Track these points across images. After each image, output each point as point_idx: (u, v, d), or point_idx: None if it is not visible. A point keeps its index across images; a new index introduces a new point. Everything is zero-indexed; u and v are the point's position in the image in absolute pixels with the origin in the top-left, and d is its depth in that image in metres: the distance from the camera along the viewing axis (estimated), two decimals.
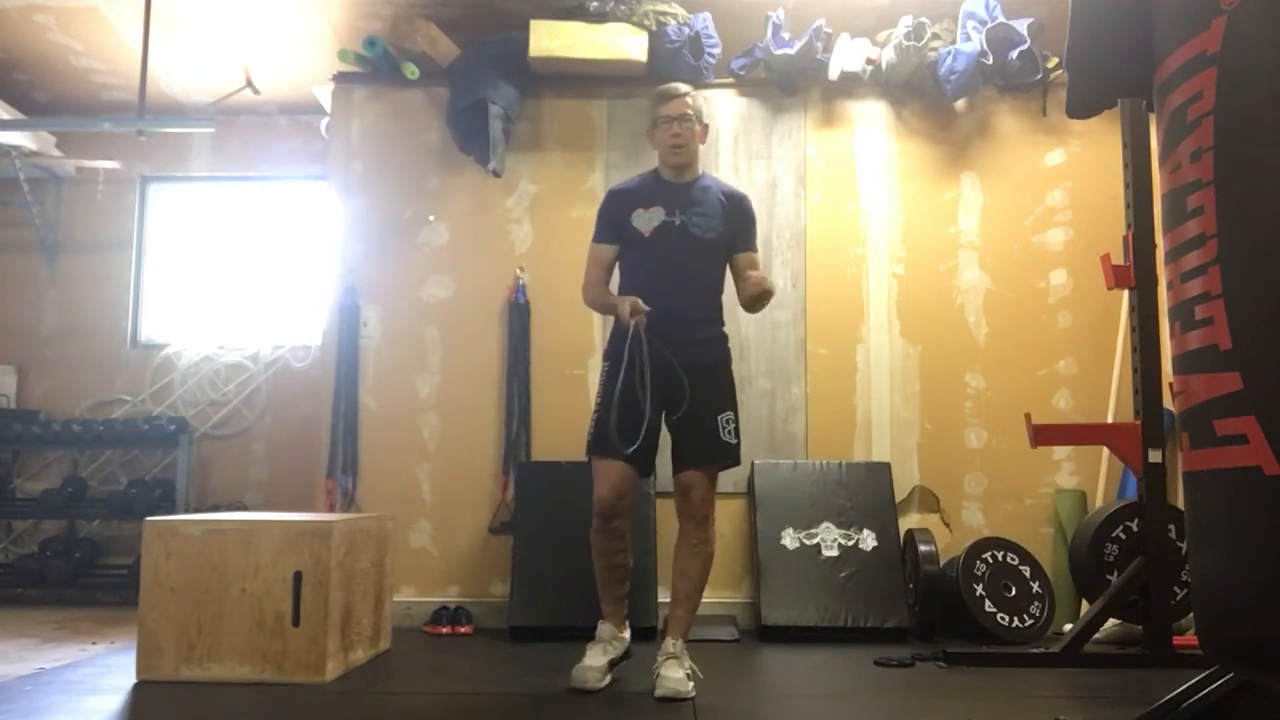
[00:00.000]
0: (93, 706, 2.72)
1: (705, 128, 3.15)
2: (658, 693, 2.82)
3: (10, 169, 5.16)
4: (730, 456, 3.01)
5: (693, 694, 2.84)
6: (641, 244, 3.05)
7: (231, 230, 5.54)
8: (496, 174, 4.42)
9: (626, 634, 3.09)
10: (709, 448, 2.97)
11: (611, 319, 3.14)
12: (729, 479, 4.29)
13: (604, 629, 3.05)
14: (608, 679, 2.96)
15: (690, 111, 3.06)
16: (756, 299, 2.98)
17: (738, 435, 3.02)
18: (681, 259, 3.01)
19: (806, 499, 4.21)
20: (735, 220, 3.10)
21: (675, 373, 2.90)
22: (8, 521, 5.25)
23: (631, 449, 2.87)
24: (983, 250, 4.54)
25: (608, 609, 3.07)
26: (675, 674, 2.85)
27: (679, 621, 2.99)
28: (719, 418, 2.98)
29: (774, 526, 4.16)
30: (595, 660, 2.95)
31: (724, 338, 3.11)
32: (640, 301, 2.92)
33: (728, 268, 3.14)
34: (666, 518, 4.09)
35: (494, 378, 4.47)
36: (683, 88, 3.11)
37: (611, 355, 3.04)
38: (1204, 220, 1.82)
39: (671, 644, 2.94)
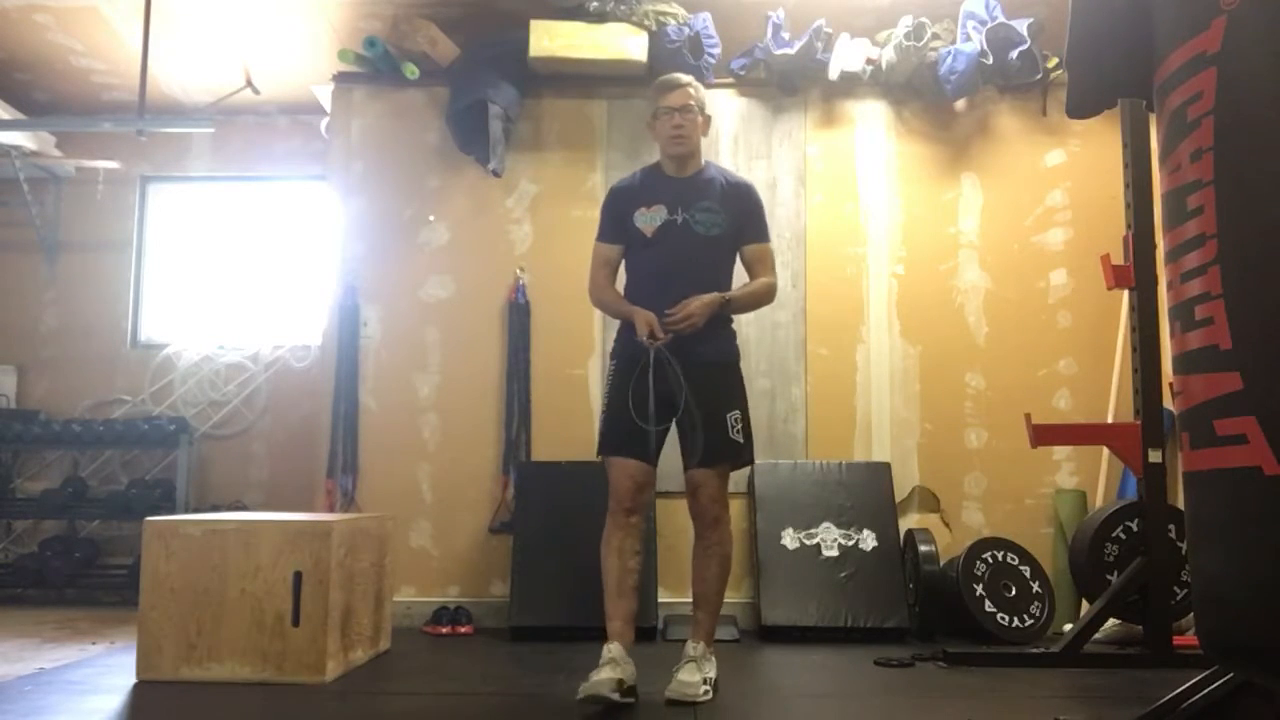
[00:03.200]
0: (93, 706, 2.72)
1: (708, 119, 3.07)
2: (667, 693, 2.77)
3: (10, 169, 5.16)
4: (739, 456, 2.93)
5: (702, 699, 2.76)
6: (645, 245, 2.99)
7: (231, 230, 5.54)
8: (496, 174, 4.42)
9: (630, 661, 2.80)
10: (717, 447, 2.88)
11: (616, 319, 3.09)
12: (729, 479, 4.32)
13: (614, 649, 2.76)
14: (618, 696, 2.64)
15: (693, 102, 2.99)
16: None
17: (747, 435, 2.94)
18: (685, 260, 2.93)
19: (806, 499, 4.21)
20: (740, 211, 3.01)
21: (683, 389, 2.83)
22: (8, 521, 5.25)
23: (643, 452, 2.86)
24: (983, 250, 4.54)
25: (618, 626, 2.82)
26: (691, 678, 2.78)
27: (700, 625, 2.92)
28: (728, 416, 2.90)
29: (774, 526, 4.16)
30: (608, 674, 2.67)
31: (732, 335, 3.02)
32: (657, 323, 2.84)
33: (739, 259, 3.07)
34: (666, 518, 4.10)
35: (494, 378, 4.47)
36: (685, 78, 3.04)
37: (619, 356, 2.98)
38: (1204, 220, 1.82)
39: (693, 647, 2.87)
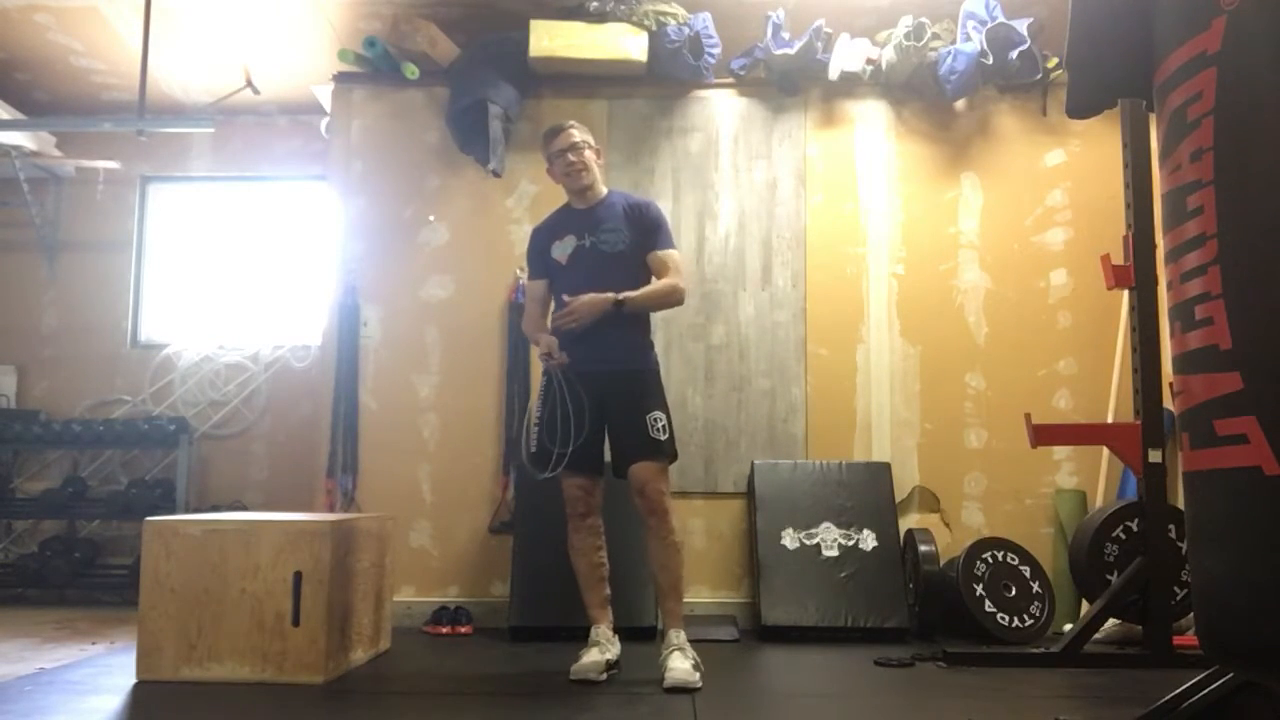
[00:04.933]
0: (93, 706, 2.72)
1: (597, 150, 3.34)
2: (666, 683, 2.90)
3: (10, 169, 5.16)
4: (662, 452, 3.14)
5: (699, 684, 2.93)
6: (561, 272, 3.26)
7: (231, 230, 5.54)
8: (496, 174, 4.42)
9: (615, 639, 3.24)
10: (642, 446, 3.11)
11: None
12: (729, 479, 4.33)
13: (599, 632, 3.19)
14: (605, 675, 3.07)
15: (579, 140, 3.26)
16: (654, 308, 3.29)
17: (668, 432, 3.16)
18: (595, 277, 3.17)
19: (806, 499, 4.21)
20: (641, 226, 3.25)
21: (590, 402, 3.11)
22: (8, 521, 5.25)
23: (560, 469, 3.12)
24: (983, 250, 4.54)
25: (596, 612, 3.23)
26: (682, 664, 2.96)
27: (672, 613, 3.15)
28: (648, 418, 3.13)
29: (774, 526, 4.16)
30: (595, 657, 3.08)
31: (647, 345, 3.26)
32: (556, 345, 3.12)
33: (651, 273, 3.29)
34: None
35: (494, 378, 4.47)
36: (567, 122, 3.31)
37: (547, 372, 3.23)
38: (1204, 220, 1.82)
39: (674, 635, 3.09)
